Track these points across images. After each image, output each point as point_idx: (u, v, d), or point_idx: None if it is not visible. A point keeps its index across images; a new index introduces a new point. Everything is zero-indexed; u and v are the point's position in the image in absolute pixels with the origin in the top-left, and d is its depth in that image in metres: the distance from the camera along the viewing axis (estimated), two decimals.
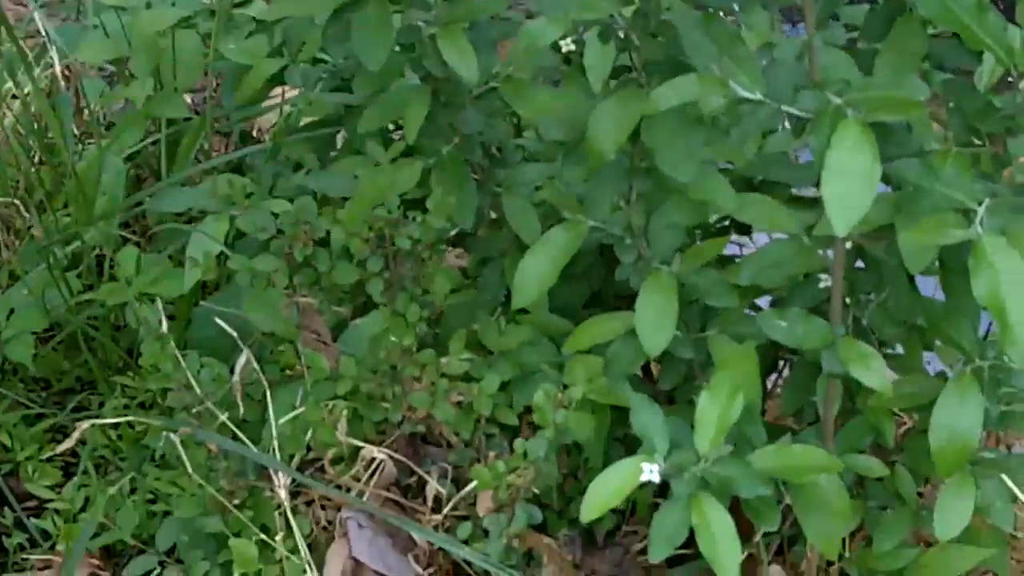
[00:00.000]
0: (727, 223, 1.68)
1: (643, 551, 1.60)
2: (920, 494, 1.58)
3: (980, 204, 1.16)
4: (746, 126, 1.22)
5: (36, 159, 2.07)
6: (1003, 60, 1.20)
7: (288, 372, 1.58)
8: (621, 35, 1.33)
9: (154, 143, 2.06)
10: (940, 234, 1.15)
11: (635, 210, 1.38)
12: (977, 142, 1.28)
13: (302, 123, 1.87)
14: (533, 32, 1.49)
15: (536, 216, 1.53)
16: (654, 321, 1.38)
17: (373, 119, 1.52)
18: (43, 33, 2.21)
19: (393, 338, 1.44)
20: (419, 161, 1.49)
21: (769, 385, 1.71)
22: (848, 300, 1.47)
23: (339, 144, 1.82)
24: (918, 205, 1.20)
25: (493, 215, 1.62)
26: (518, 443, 1.38)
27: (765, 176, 1.52)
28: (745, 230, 1.65)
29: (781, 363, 1.68)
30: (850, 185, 1.10)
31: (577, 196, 1.43)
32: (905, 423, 1.77)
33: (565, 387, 1.40)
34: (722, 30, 1.24)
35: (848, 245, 1.42)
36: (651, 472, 1.25)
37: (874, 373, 1.33)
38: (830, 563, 1.60)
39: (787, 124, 1.24)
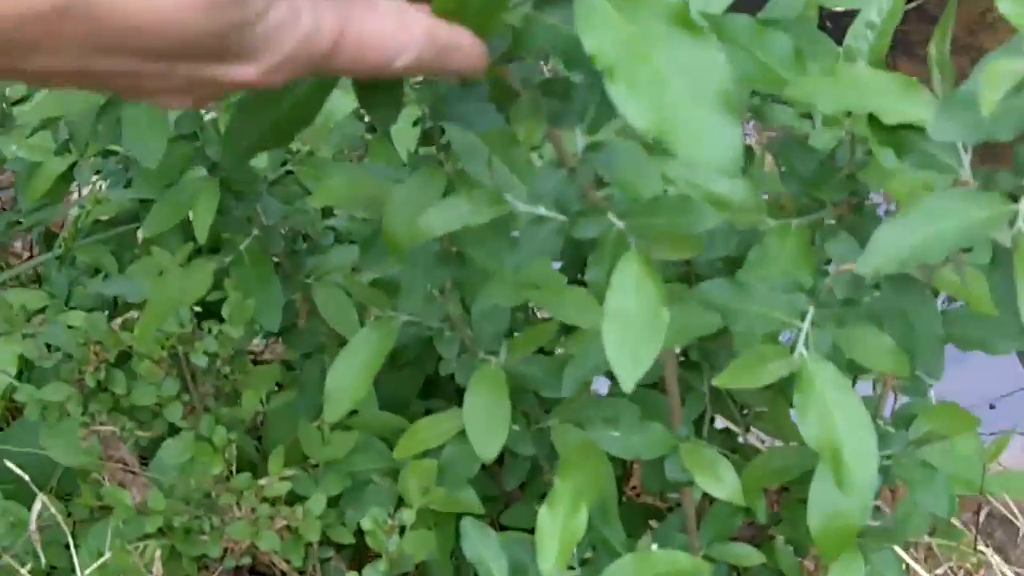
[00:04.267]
0: None
1: None
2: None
3: (803, 318, 0.97)
4: (530, 245, 1.02)
5: None
6: (838, 119, 1.06)
7: (96, 509, 1.41)
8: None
9: None
10: (759, 373, 0.95)
11: (452, 299, 1.23)
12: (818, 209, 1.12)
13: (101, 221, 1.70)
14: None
15: (352, 306, 1.38)
16: (486, 424, 1.22)
17: (160, 220, 1.36)
18: None
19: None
20: (212, 262, 1.32)
21: None
22: (703, 364, 1.33)
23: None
24: (732, 333, 1.02)
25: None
26: None
27: None
28: None
29: None
30: (634, 333, 0.89)
31: (388, 281, 1.28)
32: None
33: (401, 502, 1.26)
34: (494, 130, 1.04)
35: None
36: None
37: (723, 483, 1.19)
38: None
39: None
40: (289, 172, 1.37)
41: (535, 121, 0.89)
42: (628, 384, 0.87)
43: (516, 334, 1.27)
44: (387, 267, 1.25)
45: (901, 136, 0.90)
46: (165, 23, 0.54)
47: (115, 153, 1.63)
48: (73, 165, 1.63)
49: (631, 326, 0.89)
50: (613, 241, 0.94)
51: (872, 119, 0.90)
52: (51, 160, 1.65)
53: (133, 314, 1.56)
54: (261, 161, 1.33)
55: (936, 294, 1.19)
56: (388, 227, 1.15)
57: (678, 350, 1.27)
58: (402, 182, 1.17)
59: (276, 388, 1.48)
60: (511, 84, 0.85)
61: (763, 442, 1.58)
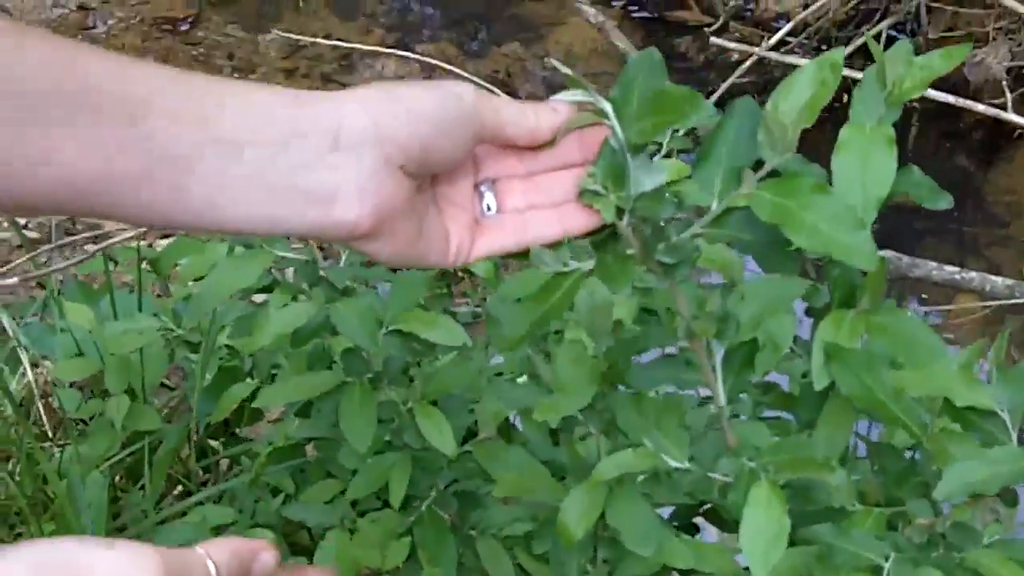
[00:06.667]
0: None
1: None
2: None
3: (887, 559, 1.31)
4: (677, 491, 1.40)
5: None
6: (916, 436, 1.42)
7: None
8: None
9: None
10: None
11: (601, 573, 1.59)
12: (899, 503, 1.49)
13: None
14: (494, 401, 1.71)
15: (509, 561, 1.73)
16: None
17: (361, 487, 1.71)
18: (13, 338, 2.38)
19: None
20: (406, 537, 1.68)
21: None
22: None
23: None
24: (833, 564, 1.40)
25: None
26: None
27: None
28: None
29: None
30: (764, 539, 1.22)
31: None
32: None
33: None
34: (651, 405, 1.39)
35: None
36: None
37: None
38: None
39: None
40: (467, 452, 1.73)
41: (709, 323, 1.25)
42: (761, 574, 1.20)
43: None
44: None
45: (967, 415, 1.29)
46: None
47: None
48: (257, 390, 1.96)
49: (762, 532, 1.22)
50: (747, 475, 1.28)
51: (947, 401, 1.29)
52: (235, 388, 2.01)
53: None
54: (447, 445, 1.67)
55: None
56: (563, 527, 1.51)
57: None
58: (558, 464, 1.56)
59: None
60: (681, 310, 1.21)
61: None
